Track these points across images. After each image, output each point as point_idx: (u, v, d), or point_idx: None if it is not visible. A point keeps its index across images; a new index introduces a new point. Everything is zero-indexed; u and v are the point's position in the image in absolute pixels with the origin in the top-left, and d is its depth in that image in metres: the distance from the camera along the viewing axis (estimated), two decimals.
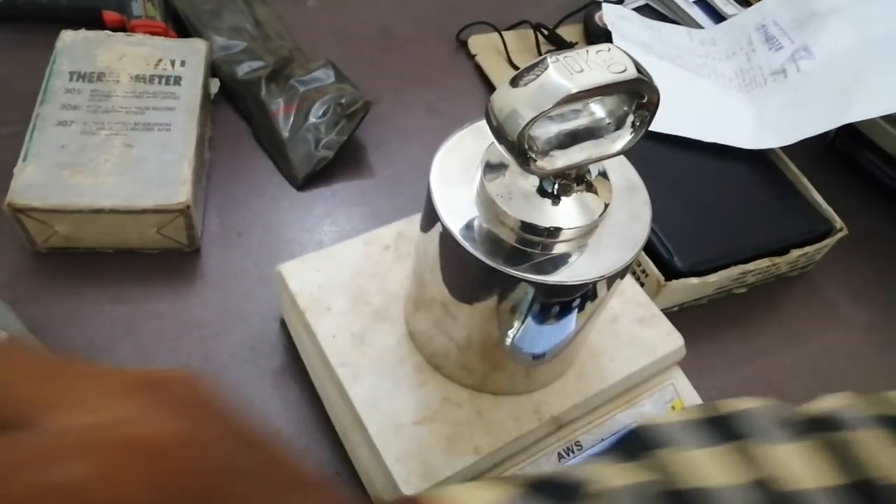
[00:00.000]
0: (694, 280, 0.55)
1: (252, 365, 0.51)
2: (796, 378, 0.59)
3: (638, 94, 0.31)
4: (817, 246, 0.60)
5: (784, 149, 0.64)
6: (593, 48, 0.30)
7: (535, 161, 0.31)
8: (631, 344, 0.47)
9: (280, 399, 0.50)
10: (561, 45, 0.74)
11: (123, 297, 0.52)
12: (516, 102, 0.29)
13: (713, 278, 0.55)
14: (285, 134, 0.61)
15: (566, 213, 0.33)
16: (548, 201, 0.33)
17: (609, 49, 0.30)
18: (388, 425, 0.41)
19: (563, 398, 0.45)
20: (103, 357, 0.49)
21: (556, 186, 0.33)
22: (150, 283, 0.53)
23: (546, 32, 0.75)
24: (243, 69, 0.64)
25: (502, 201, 0.33)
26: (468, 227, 0.34)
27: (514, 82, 0.29)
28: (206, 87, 0.60)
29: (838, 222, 0.61)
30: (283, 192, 0.61)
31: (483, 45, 0.74)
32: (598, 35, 0.73)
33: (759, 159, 0.64)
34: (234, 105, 0.65)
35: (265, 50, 0.65)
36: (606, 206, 0.34)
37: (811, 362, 0.60)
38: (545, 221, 0.33)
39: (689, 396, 0.49)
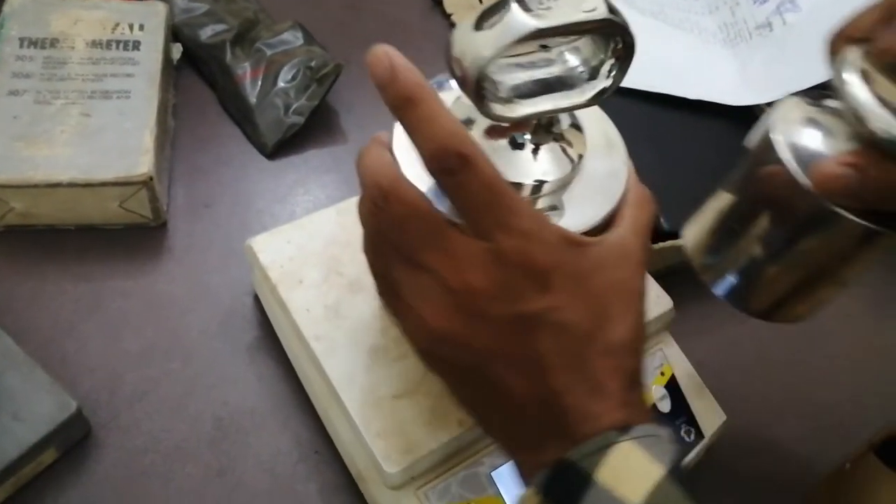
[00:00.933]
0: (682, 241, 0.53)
1: (224, 341, 0.49)
2: (785, 339, 0.58)
3: (613, 39, 0.29)
4: None
5: (770, 105, 0.62)
6: None
7: (496, 105, 0.29)
8: None
9: (255, 376, 0.48)
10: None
11: (87, 276, 0.50)
12: (476, 40, 0.27)
13: None
14: (253, 100, 0.58)
15: (538, 167, 0.31)
16: (519, 155, 0.31)
17: None
18: (366, 400, 0.39)
19: None
20: (67, 339, 0.47)
21: (527, 138, 0.31)
22: (114, 260, 0.51)
23: None
24: (206, 32, 0.61)
25: None
26: (437, 191, 0.32)
27: (476, 20, 0.27)
28: (167, 51, 0.57)
29: None
30: (253, 160, 0.58)
31: (459, 4, 0.71)
32: None
33: (746, 116, 0.62)
34: (197, 70, 0.62)
35: (228, 12, 0.62)
36: (580, 157, 0.32)
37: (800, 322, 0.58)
38: (515, 176, 0.31)
39: (679, 362, 0.48)
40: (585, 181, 0.33)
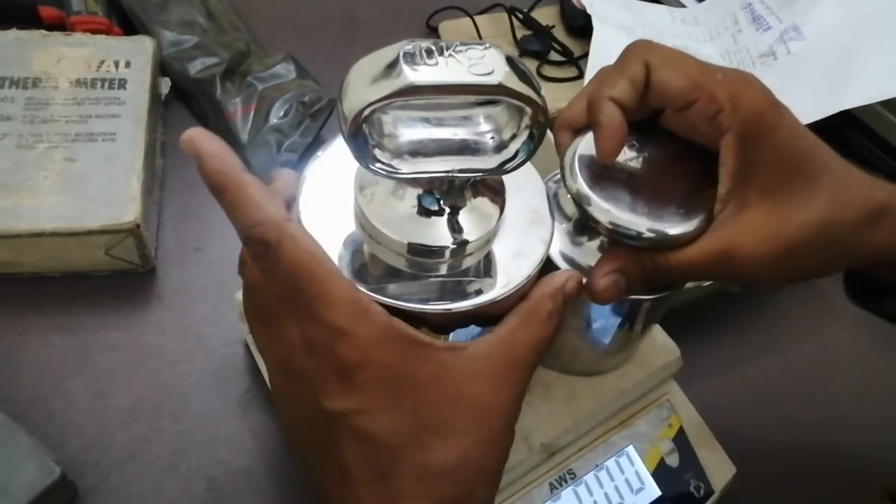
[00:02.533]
0: None
1: (215, 394, 0.47)
2: (794, 377, 0.56)
3: (525, 112, 0.27)
4: None
5: None
6: (471, 43, 0.25)
7: (382, 160, 0.27)
8: None
9: (248, 431, 0.46)
10: (536, 28, 0.70)
11: (73, 327, 0.48)
12: (358, 91, 0.25)
13: None
14: (244, 137, 0.57)
15: (453, 228, 0.29)
16: (430, 219, 0.29)
17: (487, 47, 0.25)
18: None
19: (553, 423, 0.42)
20: (54, 396, 0.45)
21: (428, 200, 0.29)
22: (101, 309, 0.49)
23: (521, 16, 0.70)
24: (196, 66, 0.59)
25: (382, 224, 0.28)
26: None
27: (370, 64, 0.25)
28: (154, 88, 0.55)
29: None
30: None
31: (455, 32, 0.69)
32: (576, 18, 0.69)
33: None
34: (187, 106, 0.60)
35: (219, 44, 0.61)
36: (500, 214, 0.30)
37: (808, 359, 0.57)
38: (432, 240, 0.28)
39: (687, 412, 0.46)
40: (510, 236, 0.31)
